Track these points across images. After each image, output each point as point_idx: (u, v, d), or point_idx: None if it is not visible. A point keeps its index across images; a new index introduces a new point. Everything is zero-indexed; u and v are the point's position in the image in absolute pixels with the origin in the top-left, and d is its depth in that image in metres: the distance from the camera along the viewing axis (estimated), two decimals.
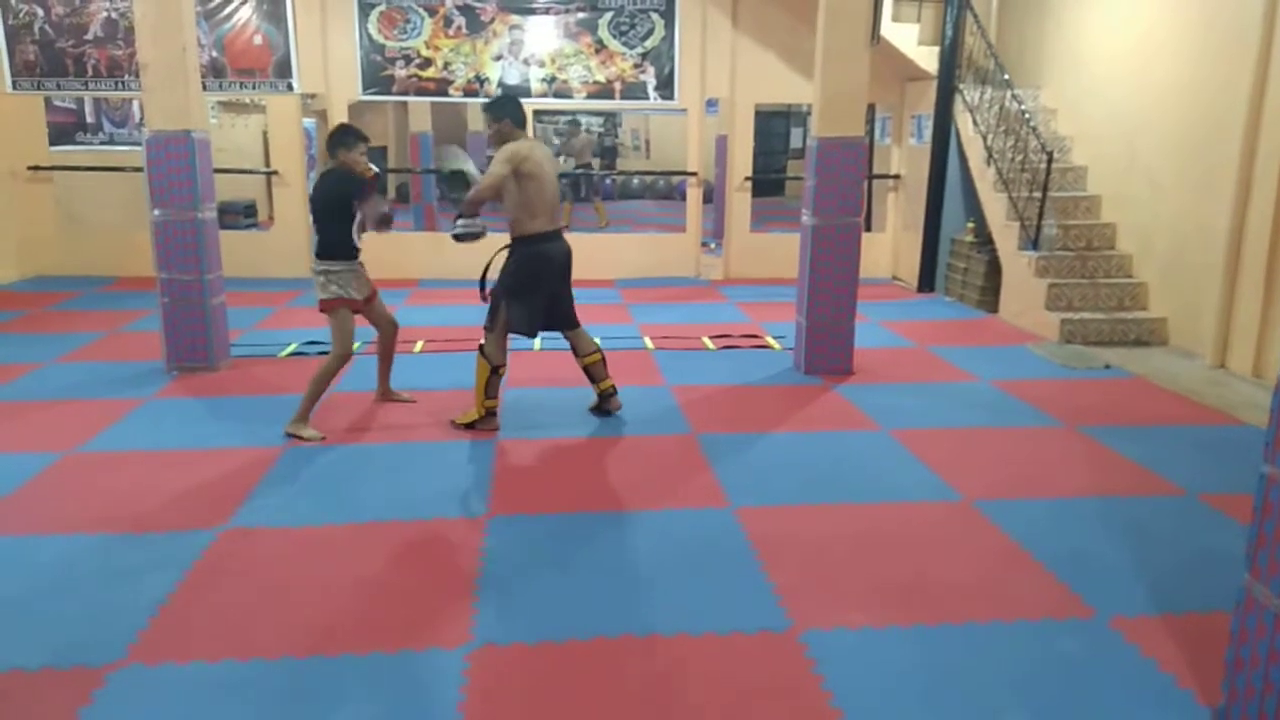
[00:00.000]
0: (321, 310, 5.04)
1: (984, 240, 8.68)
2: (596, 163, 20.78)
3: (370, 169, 5.04)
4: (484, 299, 5.15)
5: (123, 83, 9.35)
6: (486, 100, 5.37)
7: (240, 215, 12.57)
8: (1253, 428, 5.29)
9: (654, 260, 10.33)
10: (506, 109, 5.04)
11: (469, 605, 3.28)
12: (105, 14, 9.23)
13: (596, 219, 14.81)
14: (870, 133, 10.59)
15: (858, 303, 6.35)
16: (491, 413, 5.16)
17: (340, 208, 4.90)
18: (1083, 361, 6.73)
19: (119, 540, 3.77)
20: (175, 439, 4.97)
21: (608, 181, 19.80)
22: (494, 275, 5.14)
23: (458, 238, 5.00)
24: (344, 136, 4.98)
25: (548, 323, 5.22)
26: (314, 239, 5.09)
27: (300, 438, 4.90)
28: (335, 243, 4.95)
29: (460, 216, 4.98)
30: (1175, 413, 5.66)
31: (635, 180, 19.94)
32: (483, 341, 5.11)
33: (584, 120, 21.00)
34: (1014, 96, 8.15)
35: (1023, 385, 6.12)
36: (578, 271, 10.68)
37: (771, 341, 7.25)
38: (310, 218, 5.08)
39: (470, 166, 5.13)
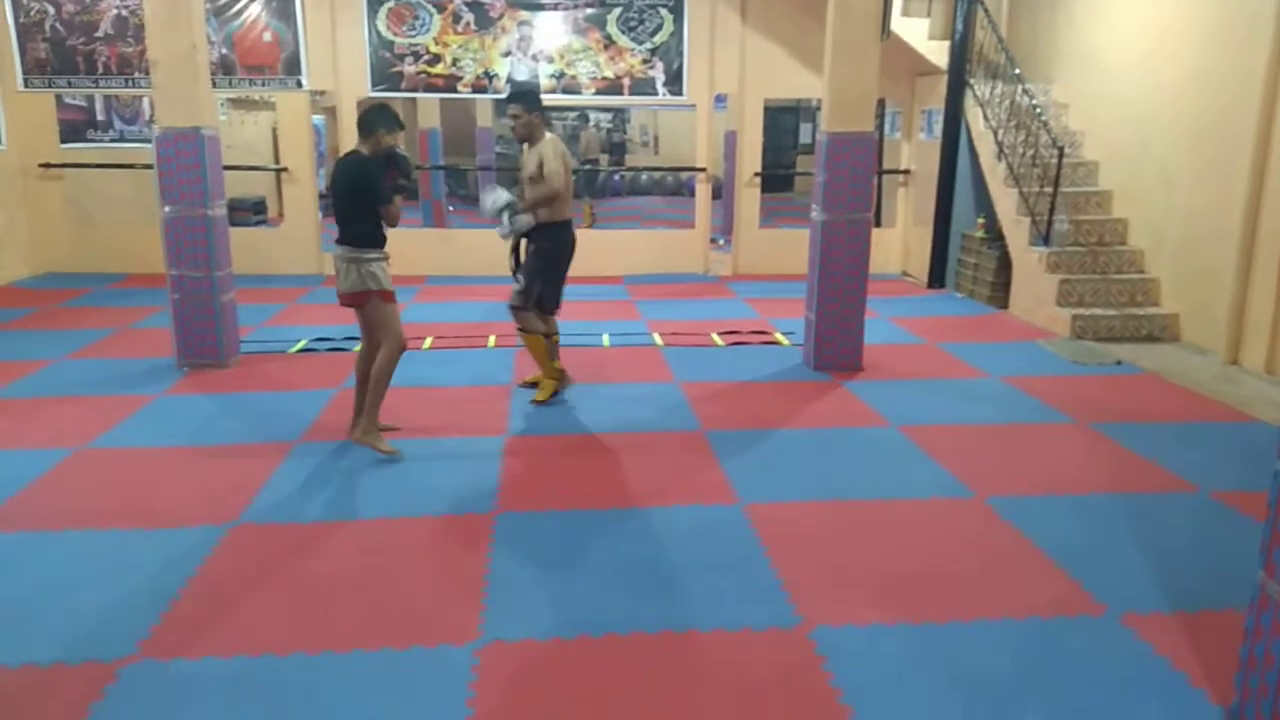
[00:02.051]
0: (350, 304, 4.64)
1: (995, 236, 8.64)
2: (605, 159, 20.75)
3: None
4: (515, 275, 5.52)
5: (133, 80, 9.38)
6: (516, 91, 5.53)
7: (250, 212, 12.59)
8: (1266, 424, 5.25)
9: (663, 256, 10.31)
10: (538, 103, 5.40)
11: (478, 602, 3.28)
12: (115, 11, 9.25)
13: (582, 218, 14.30)
14: (880, 128, 10.54)
15: (867, 298, 6.34)
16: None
17: (374, 194, 4.55)
18: (1094, 357, 6.70)
19: (130, 536, 3.78)
20: (186, 435, 4.99)
21: (616, 178, 19.77)
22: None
23: (509, 234, 5.36)
24: (386, 118, 4.58)
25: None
26: (341, 226, 4.61)
27: (378, 449, 4.62)
28: (368, 230, 4.57)
29: (514, 213, 5.30)
30: (1188, 409, 5.62)
31: (644, 176, 19.91)
32: (520, 328, 5.48)
33: (592, 116, 20.93)
34: (1025, 91, 8.11)
35: (1034, 381, 6.09)
36: (586, 268, 10.69)
37: (780, 338, 7.23)
38: (334, 204, 4.61)
39: (508, 195, 5.40)
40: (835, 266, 6.19)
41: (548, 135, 5.37)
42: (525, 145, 5.39)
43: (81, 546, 3.69)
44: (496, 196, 5.35)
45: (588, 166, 14.71)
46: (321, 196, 10.25)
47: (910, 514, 4.08)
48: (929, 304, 8.80)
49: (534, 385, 5.74)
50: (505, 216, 5.31)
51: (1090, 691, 2.80)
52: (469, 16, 9.47)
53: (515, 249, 5.54)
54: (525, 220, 5.31)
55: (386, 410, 5.13)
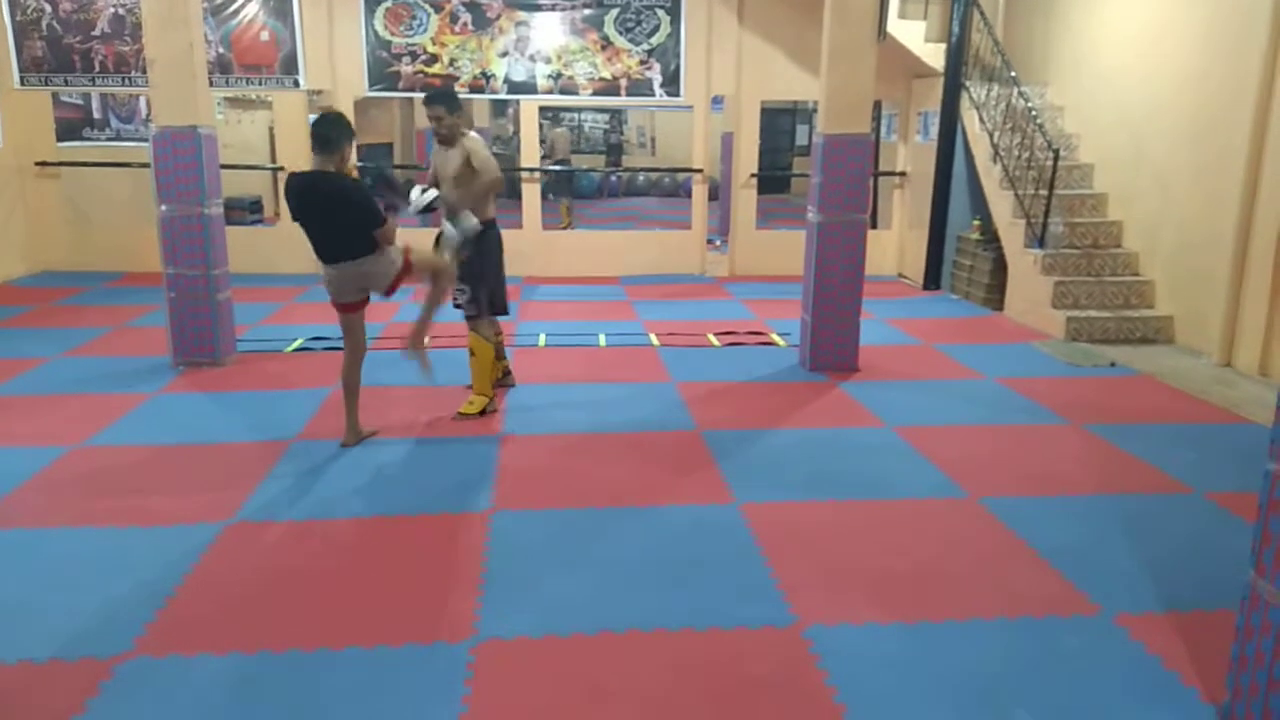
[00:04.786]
0: (355, 309, 4.71)
1: (990, 238, 8.67)
2: (602, 159, 20.75)
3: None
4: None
5: (129, 78, 9.38)
6: (438, 92, 5.41)
7: (246, 211, 12.59)
8: (1259, 426, 5.27)
9: (659, 257, 10.33)
10: (459, 104, 5.29)
11: (474, 600, 3.29)
12: (112, 10, 9.25)
13: (560, 219, 13.75)
14: (876, 130, 10.57)
15: (863, 300, 6.35)
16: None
17: (376, 219, 4.49)
18: (1088, 359, 6.72)
19: (126, 534, 3.79)
20: (181, 433, 4.99)
21: (614, 179, 19.77)
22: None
23: (460, 243, 5.17)
24: (348, 130, 4.48)
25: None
26: (334, 247, 4.53)
27: (361, 436, 4.76)
28: (366, 243, 4.51)
29: (452, 212, 5.16)
30: (1181, 411, 5.65)
31: (641, 177, 19.95)
32: (473, 331, 5.32)
33: (564, 116, 20.75)
34: (1021, 94, 8.13)
35: (1028, 383, 6.11)
36: (584, 268, 10.68)
37: (776, 338, 7.25)
38: (326, 228, 4.50)
39: (434, 191, 5.22)
40: (831, 268, 6.21)
41: (472, 134, 5.27)
42: (444, 147, 5.22)
43: (77, 544, 3.70)
44: (424, 192, 5.14)
45: (556, 168, 14.50)
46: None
47: (905, 514, 4.09)
48: (924, 305, 8.82)
49: (477, 415, 5.36)
50: (449, 224, 5.14)
51: (1083, 691, 2.81)
52: (466, 17, 9.48)
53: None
54: (473, 223, 5.13)
55: (383, 413, 5.15)
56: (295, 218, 4.58)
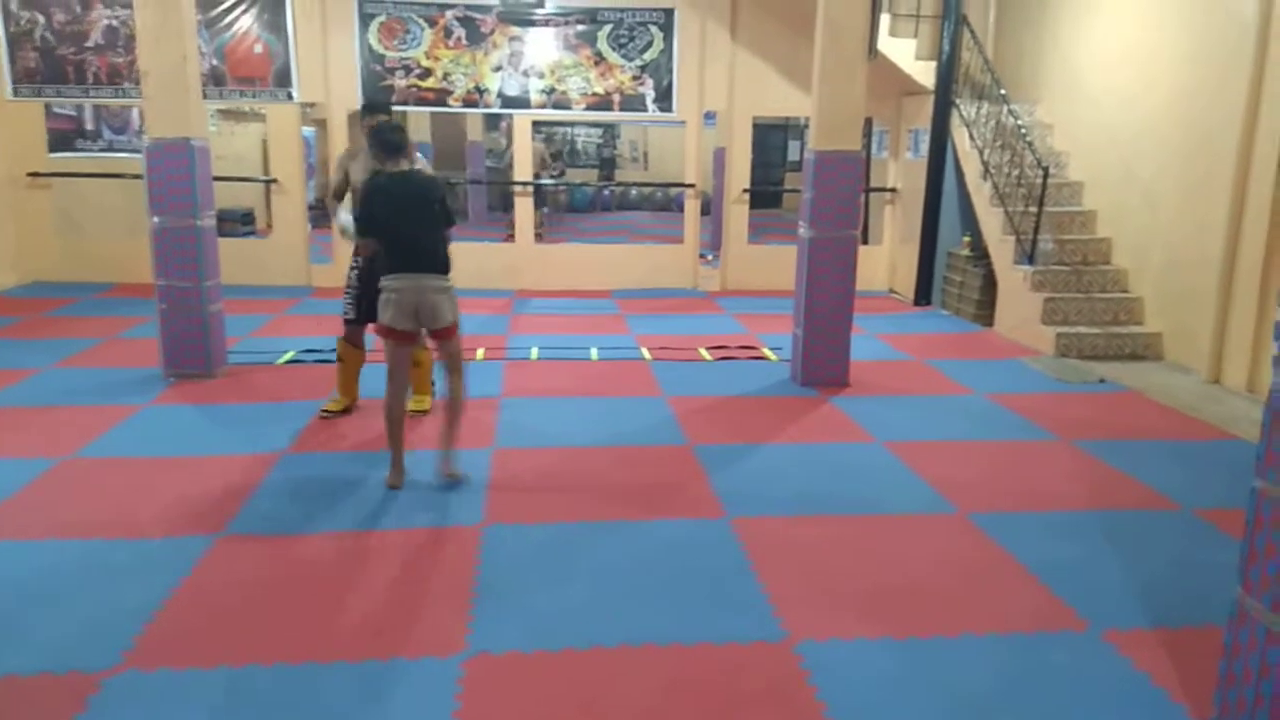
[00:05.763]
0: (446, 336, 4.44)
1: (980, 254, 8.72)
2: (594, 174, 20.76)
3: None
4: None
5: (123, 90, 9.38)
6: (380, 101, 5.59)
7: (238, 223, 12.57)
8: (1247, 442, 5.30)
9: (651, 271, 10.35)
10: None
11: (464, 614, 3.28)
12: (106, 22, 9.26)
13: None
14: (867, 146, 10.63)
15: (854, 315, 6.38)
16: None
17: (451, 214, 4.49)
18: (1078, 375, 6.76)
19: (115, 546, 3.77)
20: (172, 445, 4.97)
21: (606, 193, 19.81)
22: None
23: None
24: (407, 134, 4.49)
25: None
26: (428, 252, 4.31)
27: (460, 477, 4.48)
28: (445, 250, 4.41)
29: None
30: (1170, 427, 5.68)
31: (633, 191, 19.99)
32: (344, 340, 5.46)
33: (542, 129, 20.63)
34: (1010, 111, 8.20)
35: (1018, 399, 6.14)
36: (576, 281, 10.69)
37: (768, 353, 7.27)
38: (423, 228, 4.32)
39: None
40: (822, 283, 6.24)
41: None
42: (364, 154, 5.10)
43: (66, 556, 3.68)
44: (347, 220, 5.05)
45: (534, 181, 14.29)
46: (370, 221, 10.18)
47: (894, 529, 4.11)
48: (915, 321, 8.86)
49: (339, 413, 5.49)
50: (344, 214, 5.04)
51: (1071, 707, 2.82)
52: (460, 31, 9.52)
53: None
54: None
55: (371, 425, 5.13)
56: (379, 224, 4.32)
